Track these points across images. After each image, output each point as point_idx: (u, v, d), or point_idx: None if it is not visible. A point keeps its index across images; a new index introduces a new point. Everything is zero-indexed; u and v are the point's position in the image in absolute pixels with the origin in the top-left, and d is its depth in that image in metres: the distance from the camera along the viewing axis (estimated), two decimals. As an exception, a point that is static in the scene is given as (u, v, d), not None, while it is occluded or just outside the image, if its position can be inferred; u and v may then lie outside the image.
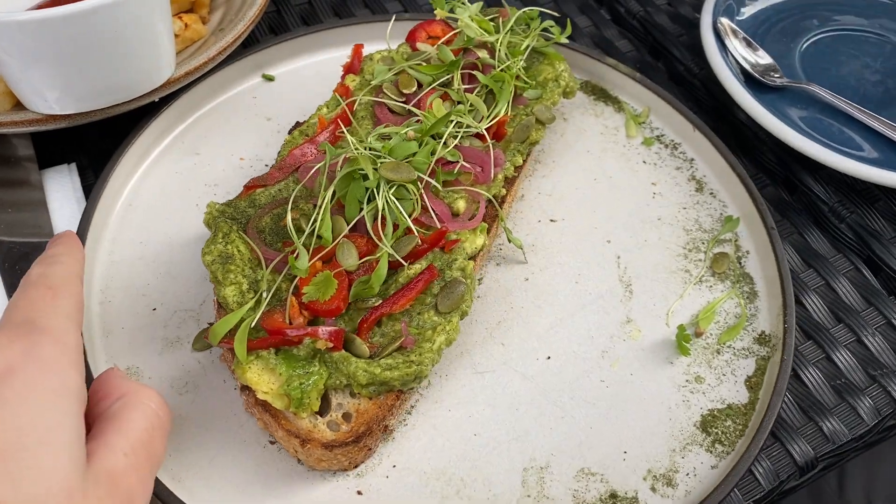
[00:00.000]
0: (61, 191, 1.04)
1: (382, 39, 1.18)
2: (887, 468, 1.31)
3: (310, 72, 1.22)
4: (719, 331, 0.97)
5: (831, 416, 0.94)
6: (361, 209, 0.86)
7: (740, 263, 1.03)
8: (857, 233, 1.11)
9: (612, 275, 1.02)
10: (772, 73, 1.20)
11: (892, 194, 1.16)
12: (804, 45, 1.28)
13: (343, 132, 0.95)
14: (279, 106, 1.17)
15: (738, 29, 1.25)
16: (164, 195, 1.06)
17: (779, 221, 1.12)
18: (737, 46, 1.23)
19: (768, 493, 0.89)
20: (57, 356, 0.59)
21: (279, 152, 0.99)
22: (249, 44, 1.25)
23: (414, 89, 1.02)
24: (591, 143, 1.16)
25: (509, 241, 1.00)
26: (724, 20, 1.25)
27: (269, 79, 1.20)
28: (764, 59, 1.22)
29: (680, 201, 1.10)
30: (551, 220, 1.07)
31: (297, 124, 1.04)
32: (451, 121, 0.94)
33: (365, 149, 0.88)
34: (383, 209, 0.85)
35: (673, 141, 1.16)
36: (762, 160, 1.19)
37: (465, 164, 0.93)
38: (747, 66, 1.21)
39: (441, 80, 1.01)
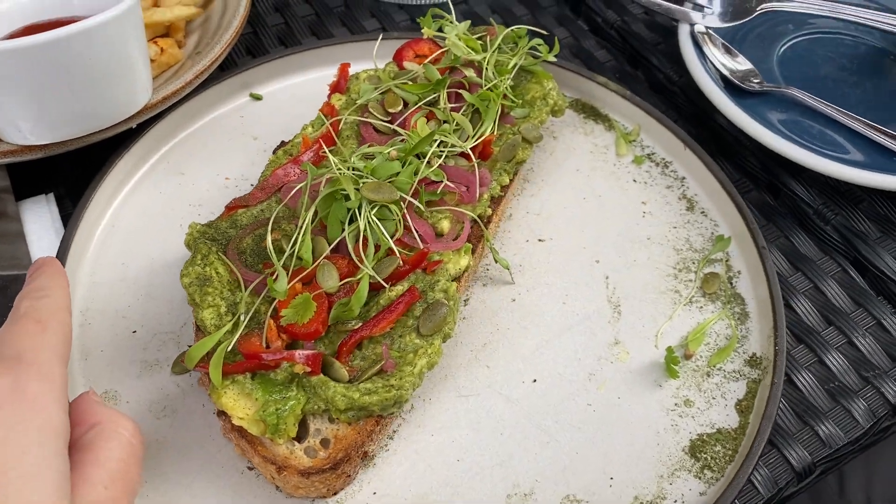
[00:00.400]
0: (39, 222, 1.02)
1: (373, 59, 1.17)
2: (886, 467, 1.29)
3: (298, 91, 1.21)
4: (709, 353, 0.95)
5: (826, 419, 0.93)
6: (343, 230, 0.85)
7: (731, 284, 1.02)
8: (842, 234, 1.10)
9: (601, 295, 1.00)
10: (751, 79, 1.19)
11: (876, 195, 1.15)
12: (782, 49, 1.28)
13: (325, 152, 0.94)
14: (266, 125, 1.16)
15: (715, 35, 1.25)
16: (148, 216, 1.05)
17: (764, 226, 1.11)
18: (715, 53, 1.22)
19: (767, 502, 0.88)
20: (44, 392, 0.58)
21: (263, 172, 0.98)
22: (227, 66, 1.25)
23: (400, 108, 1.01)
24: (580, 161, 1.15)
25: (496, 261, 0.99)
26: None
27: (257, 98, 1.20)
28: (743, 64, 1.22)
29: (670, 220, 1.08)
30: (539, 240, 1.06)
31: (282, 143, 1.03)
32: (436, 140, 0.93)
33: (348, 169, 0.87)
34: (365, 230, 0.84)
35: (664, 159, 1.15)
36: (745, 165, 1.18)
37: (449, 183, 0.92)
38: (726, 73, 1.20)
39: (427, 98, 1.00)
